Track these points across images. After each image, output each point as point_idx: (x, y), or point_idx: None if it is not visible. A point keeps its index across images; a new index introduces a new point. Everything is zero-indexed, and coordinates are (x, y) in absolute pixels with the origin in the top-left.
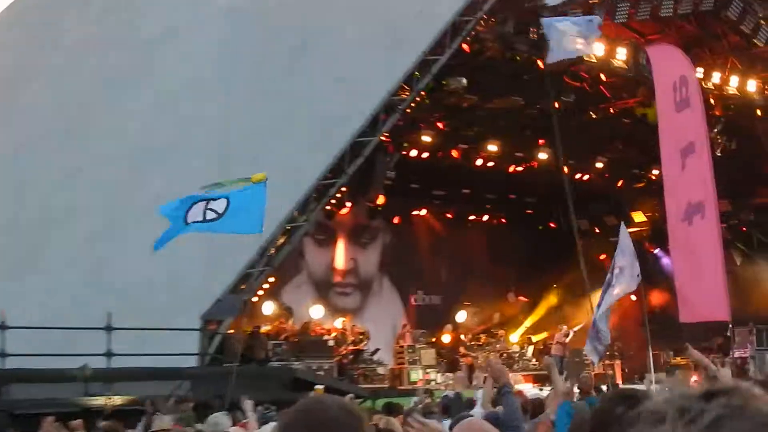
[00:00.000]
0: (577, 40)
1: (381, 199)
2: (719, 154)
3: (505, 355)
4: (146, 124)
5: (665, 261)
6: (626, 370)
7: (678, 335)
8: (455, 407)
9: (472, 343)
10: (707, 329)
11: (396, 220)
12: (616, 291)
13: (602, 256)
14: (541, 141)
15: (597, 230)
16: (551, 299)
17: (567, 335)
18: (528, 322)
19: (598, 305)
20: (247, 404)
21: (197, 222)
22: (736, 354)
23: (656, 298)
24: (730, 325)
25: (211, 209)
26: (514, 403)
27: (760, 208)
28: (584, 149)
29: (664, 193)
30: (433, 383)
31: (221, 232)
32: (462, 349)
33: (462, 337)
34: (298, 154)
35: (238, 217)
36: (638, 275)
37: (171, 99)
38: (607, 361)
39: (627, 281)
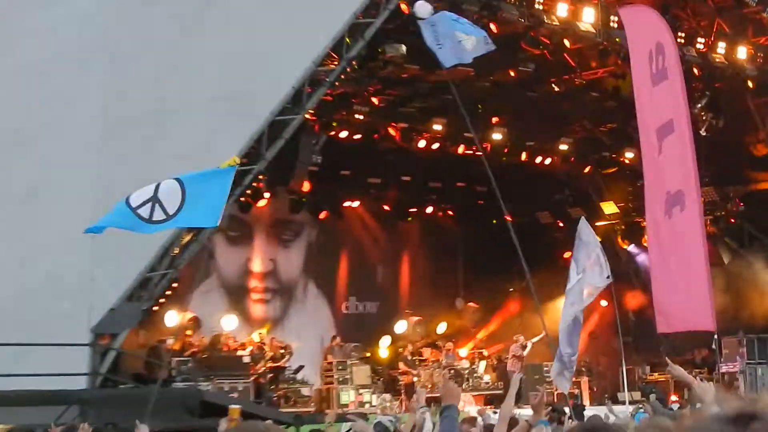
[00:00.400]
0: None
1: (306, 186)
2: (704, 134)
3: (452, 371)
4: (8, 101)
5: (641, 258)
6: (594, 389)
7: (655, 347)
8: None
9: (414, 358)
10: (689, 340)
11: (323, 214)
12: (581, 298)
13: (567, 254)
14: (495, 119)
15: (560, 223)
16: (508, 306)
17: (524, 347)
18: (480, 334)
19: (563, 315)
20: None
21: (157, 222)
22: (723, 369)
23: (630, 302)
24: (716, 336)
25: (160, 203)
26: (453, 429)
27: (752, 197)
28: (545, 128)
29: (642, 180)
30: (367, 406)
31: (179, 226)
32: (402, 366)
33: (402, 351)
34: (204, 135)
35: (196, 208)
36: (608, 276)
37: (40, 71)
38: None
39: (592, 284)
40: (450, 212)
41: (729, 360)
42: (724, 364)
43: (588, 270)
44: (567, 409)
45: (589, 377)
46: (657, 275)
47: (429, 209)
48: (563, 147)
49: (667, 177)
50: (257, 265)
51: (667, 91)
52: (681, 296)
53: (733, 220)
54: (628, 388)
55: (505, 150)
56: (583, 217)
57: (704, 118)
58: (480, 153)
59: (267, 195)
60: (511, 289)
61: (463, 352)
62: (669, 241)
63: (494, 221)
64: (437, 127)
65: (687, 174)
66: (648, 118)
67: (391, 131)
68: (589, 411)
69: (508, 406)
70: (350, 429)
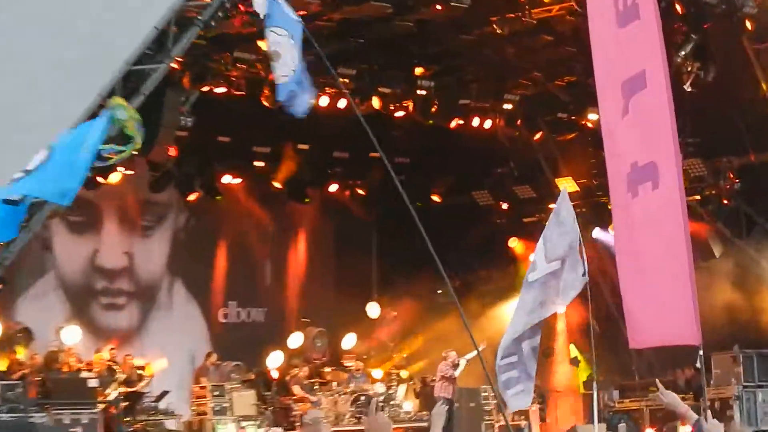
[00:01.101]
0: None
1: (172, 157)
2: (689, 90)
3: (363, 398)
4: None
5: (609, 246)
6: (547, 420)
7: (626, 366)
8: None
9: (313, 381)
10: (670, 356)
11: (194, 194)
12: (552, 297)
13: (512, 243)
14: (418, 70)
15: (504, 206)
16: (436, 314)
17: (456, 366)
18: (401, 349)
19: (513, 323)
20: None
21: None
22: (712, 394)
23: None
24: (701, 352)
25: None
26: None
27: (751, 171)
28: (484, 82)
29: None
30: None
31: (27, 194)
32: (297, 391)
33: (297, 371)
34: (40, 90)
35: (54, 173)
36: (583, 273)
37: None
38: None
39: (568, 283)
40: (360, 191)
41: (721, 382)
42: (715, 387)
43: (568, 262)
44: None
45: (540, 404)
46: (626, 275)
47: (332, 187)
48: (507, 106)
49: (635, 145)
50: (108, 260)
51: (637, 34)
52: (656, 302)
53: (726, 201)
54: (591, 418)
55: (433, 110)
56: (564, 188)
57: (689, 69)
58: (401, 114)
59: (121, 168)
60: (439, 291)
61: (378, 373)
62: (638, 228)
63: (419, 203)
64: (343, 80)
65: (662, 141)
66: (611, 68)
67: None
68: None
69: None
70: None
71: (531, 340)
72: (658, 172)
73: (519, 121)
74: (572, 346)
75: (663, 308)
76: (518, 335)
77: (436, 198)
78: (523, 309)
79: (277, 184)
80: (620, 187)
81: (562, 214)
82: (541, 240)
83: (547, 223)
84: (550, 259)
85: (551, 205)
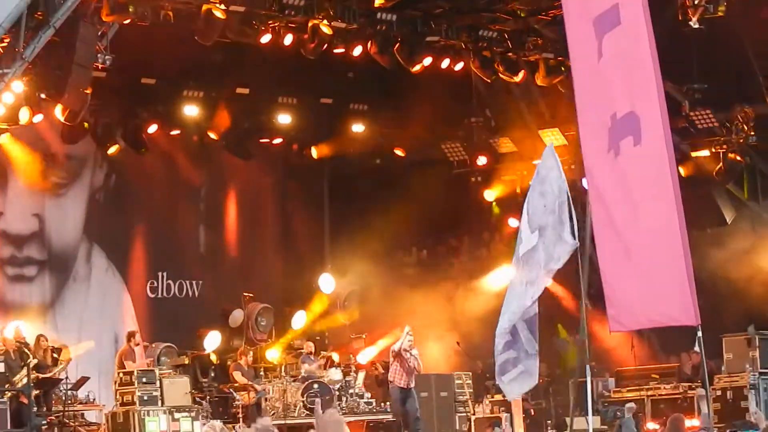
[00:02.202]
0: None
1: (87, 102)
2: (695, 26)
3: (315, 386)
4: None
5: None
6: (533, 412)
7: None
8: None
9: (257, 366)
10: (675, 338)
11: (115, 146)
12: (538, 271)
13: (490, 198)
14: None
15: (478, 161)
16: (402, 287)
17: (410, 344)
18: (361, 331)
19: (507, 302)
20: None
21: None
22: (723, 382)
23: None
24: (699, 334)
25: None
26: None
27: None
28: (456, 17)
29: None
30: None
31: None
32: (238, 377)
33: (238, 355)
34: None
35: None
36: (574, 237)
37: None
38: (498, 396)
39: (553, 252)
40: (310, 144)
41: (734, 369)
42: (727, 374)
43: (551, 226)
44: None
45: (524, 394)
46: (606, 249)
47: (277, 140)
48: (482, 44)
49: (612, 93)
50: (14, 224)
51: None
52: (644, 278)
53: (739, 158)
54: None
55: (395, 48)
56: (550, 143)
57: (696, 2)
58: (358, 53)
59: (27, 116)
60: (406, 259)
61: (333, 357)
62: (619, 193)
63: (377, 161)
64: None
65: (643, 86)
66: (580, 3)
67: (217, 13)
68: None
69: None
70: None
71: (528, 318)
72: (639, 124)
73: (496, 63)
74: (560, 327)
75: (651, 285)
76: (514, 315)
77: (399, 152)
78: (514, 288)
79: (212, 135)
80: (596, 144)
81: (542, 172)
82: (525, 206)
83: (529, 184)
84: (533, 228)
85: (535, 161)
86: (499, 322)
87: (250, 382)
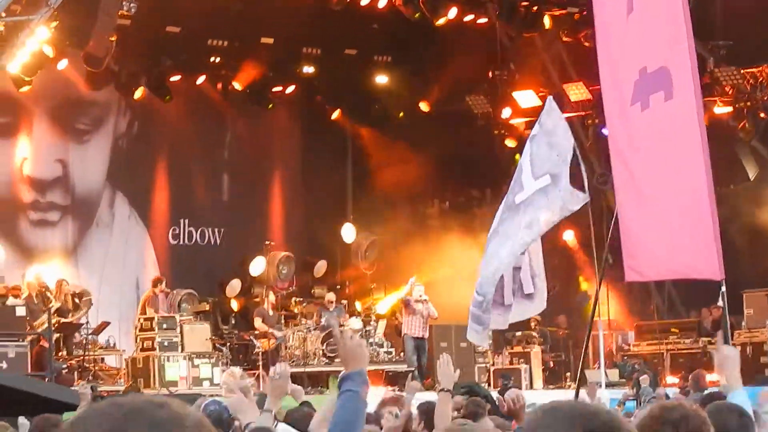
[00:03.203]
0: None
1: (112, 50)
2: None
3: (336, 334)
4: None
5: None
6: (552, 364)
7: (643, 303)
8: None
9: (278, 313)
10: (693, 292)
11: (139, 92)
12: (536, 218)
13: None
14: None
15: (504, 114)
16: (424, 238)
17: (420, 295)
18: (383, 280)
19: (493, 252)
20: None
21: None
22: (744, 337)
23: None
24: (723, 288)
25: None
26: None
27: None
28: None
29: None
30: (206, 384)
31: None
32: (259, 325)
33: (259, 302)
34: None
35: None
36: (585, 192)
37: None
38: (517, 347)
39: (560, 199)
40: (334, 94)
41: (754, 324)
42: (747, 330)
43: (561, 175)
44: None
45: (543, 346)
46: (624, 197)
47: (301, 89)
48: None
49: (643, 48)
50: (36, 170)
51: None
52: (667, 229)
53: (763, 115)
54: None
55: (420, 0)
56: (550, 97)
57: None
58: (383, 5)
59: (53, 62)
60: (428, 210)
61: (354, 307)
62: (645, 147)
63: (401, 114)
64: None
65: (675, 41)
66: None
67: None
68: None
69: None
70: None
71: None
72: (671, 79)
73: (521, 16)
74: (581, 279)
75: (676, 237)
76: (502, 263)
77: (423, 106)
78: (505, 234)
79: (236, 85)
80: (622, 98)
81: (548, 125)
82: (526, 156)
83: (529, 136)
84: (538, 175)
85: (565, 114)
86: (483, 271)
87: (270, 330)
